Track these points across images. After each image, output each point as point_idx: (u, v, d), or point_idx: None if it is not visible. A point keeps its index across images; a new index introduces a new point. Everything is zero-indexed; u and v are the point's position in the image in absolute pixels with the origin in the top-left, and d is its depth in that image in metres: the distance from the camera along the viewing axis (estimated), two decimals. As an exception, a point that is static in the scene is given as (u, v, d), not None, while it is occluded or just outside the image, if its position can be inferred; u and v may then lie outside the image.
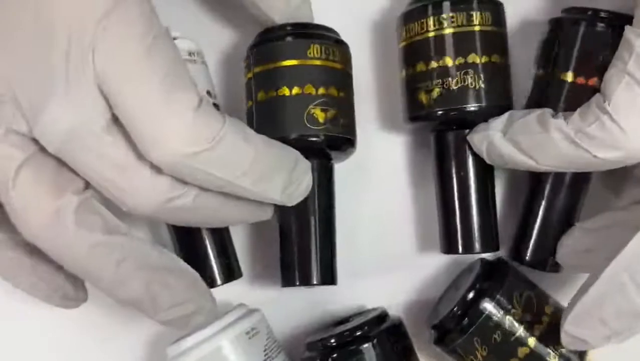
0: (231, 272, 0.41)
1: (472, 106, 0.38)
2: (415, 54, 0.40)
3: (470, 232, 0.40)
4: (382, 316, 0.40)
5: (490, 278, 0.39)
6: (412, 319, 0.43)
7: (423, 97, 0.39)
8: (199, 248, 0.40)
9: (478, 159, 0.40)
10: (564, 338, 0.35)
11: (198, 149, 0.30)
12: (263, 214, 0.37)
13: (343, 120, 0.39)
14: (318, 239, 0.39)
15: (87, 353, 0.43)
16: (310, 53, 0.38)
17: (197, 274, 0.35)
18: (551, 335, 0.38)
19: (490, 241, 0.40)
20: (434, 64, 0.39)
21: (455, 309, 0.39)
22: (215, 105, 0.40)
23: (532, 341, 0.38)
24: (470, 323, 0.38)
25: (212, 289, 0.38)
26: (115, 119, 0.30)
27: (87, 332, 0.43)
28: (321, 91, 0.38)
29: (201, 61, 0.41)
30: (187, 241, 0.40)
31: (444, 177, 0.41)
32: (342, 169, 0.42)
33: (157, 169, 0.31)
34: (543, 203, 0.40)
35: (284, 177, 0.34)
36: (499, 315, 0.38)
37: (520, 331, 0.38)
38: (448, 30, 0.38)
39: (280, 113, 0.38)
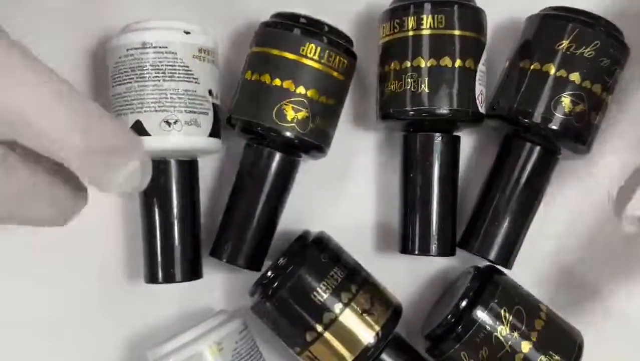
0: (193, 271, 0.41)
1: (443, 109, 0.39)
2: (391, 52, 0.40)
3: (428, 234, 0.40)
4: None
5: (484, 286, 0.40)
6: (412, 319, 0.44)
7: (395, 97, 0.40)
8: (165, 240, 0.40)
9: (444, 163, 0.41)
10: (625, 224, 0.33)
11: None
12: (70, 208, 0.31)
13: (315, 125, 0.39)
14: (261, 228, 0.41)
15: (67, 356, 0.43)
16: (303, 51, 0.38)
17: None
18: (545, 341, 0.39)
19: (447, 246, 0.41)
20: (407, 64, 0.39)
21: (448, 317, 0.39)
22: (215, 105, 0.40)
23: (526, 348, 0.38)
24: (464, 331, 0.38)
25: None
26: None
27: (65, 334, 0.43)
28: (300, 90, 0.39)
29: (211, 60, 0.40)
30: (154, 231, 0.40)
31: (408, 178, 0.41)
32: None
33: None
34: (497, 195, 0.41)
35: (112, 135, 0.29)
36: (492, 323, 0.38)
37: (513, 338, 0.38)
38: (426, 32, 0.39)
39: (255, 98, 0.39)
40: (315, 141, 0.40)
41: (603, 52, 0.39)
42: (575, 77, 0.39)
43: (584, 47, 0.39)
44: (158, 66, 0.38)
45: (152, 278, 0.40)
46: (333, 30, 0.40)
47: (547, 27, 0.40)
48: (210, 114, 0.40)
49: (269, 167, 0.40)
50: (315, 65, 0.39)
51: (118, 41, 0.39)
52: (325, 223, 0.42)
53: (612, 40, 0.39)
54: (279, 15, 0.40)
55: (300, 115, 0.39)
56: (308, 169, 0.43)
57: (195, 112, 0.39)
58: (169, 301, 0.44)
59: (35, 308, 0.43)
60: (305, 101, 0.39)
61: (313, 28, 0.39)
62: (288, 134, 0.39)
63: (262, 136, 0.40)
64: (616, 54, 0.39)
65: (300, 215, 0.44)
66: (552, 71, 0.39)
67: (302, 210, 0.44)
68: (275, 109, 0.38)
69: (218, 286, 0.44)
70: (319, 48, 0.39)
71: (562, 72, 0.39)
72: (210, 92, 0.40)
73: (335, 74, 0.40)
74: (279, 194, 0.41)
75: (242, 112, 0.39)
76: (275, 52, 0.39)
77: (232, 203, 0.41)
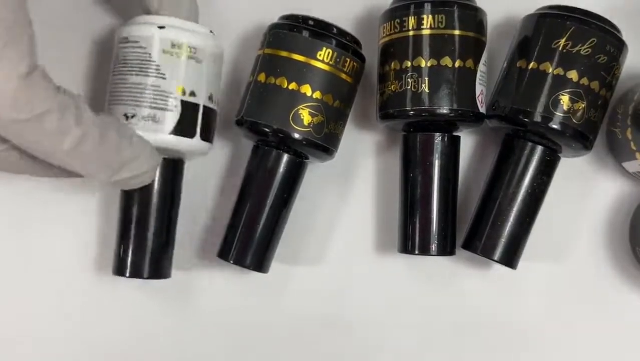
0: (159, 270, 0.41)
1: (443, 109, 0.39)
2: (391, 52, 0.41)
3: (428, 233, 0.41)
4: None
5: None
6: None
7: (395, 97, 0.40)
8: (138, 238, 0.40)
9: (444, 163, 0.41)
10: None
11: (19, 117, 0.30)
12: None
13: (329, 129, 0.40)
14: (269, 229, 0.41)
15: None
16: (320, 55, 0.39)
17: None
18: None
19: (447, 245, 0.41)
20: (407, 64, 0.40)
21: None
22: (212, 110, 0.40)
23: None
24: None
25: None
26: None
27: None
28: (316, 95, 0.39)
29: (191, 57, 0.39)
30: (129, 229, 0.40)
31: (408, 177, 0.41)
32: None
33: None
34: (500, 194, 0.41)
35: (115, 160, 0.35)
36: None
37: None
38: (426, 32, 0.39)
39: (271, 102, 0.39)
40: (328, 145, 0.41)
41: (600, 49, 0.39)
42: (573, 75, 0.39)
43: (580, 45, 0.39)
44: (127, 59, 0.39)
45: (119, 270, 0.41)
46: (343, 33, 0.40)
47: (543, 26, 0.40)
48: (177, 111, 0.39)
49: (279, 170, 0.41)
50: (331, 69, 0.39)
51: (116, 36, 0.40)
52: (325, 222, 0.43)
53: (609, 37, 0.39)
54: (291, 17, 0.40)
55: (316, 120, 0.39)
56: (307, 169, 0.43)
57: (156, 108, 0.38)
58: (161, 297, 0.44)
59: (17, 304, 0.44)
60: (320, 105, 0.39)
61: (325, 31, 0.39)
62: (304, 138, 0.39)
63: (273, 138, 0.40)
64: (613, 51, 0.39)
65: (299, 214, 0.44)
66: (550, 69, 0.39)
67: (301, 209, 0.44)
68: (292, 113, 0.39)
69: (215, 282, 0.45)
70: (335, 53, 0.39)
71: (560, 71, 0.39)
72: (184, 91, 0.39)
73: (347, 78, 0.40)
74: (287, 196, 0.41)
75: (256, 115, 0.39)
76: (291, 55, 0.39)
77: (239, 205, 0.41)
